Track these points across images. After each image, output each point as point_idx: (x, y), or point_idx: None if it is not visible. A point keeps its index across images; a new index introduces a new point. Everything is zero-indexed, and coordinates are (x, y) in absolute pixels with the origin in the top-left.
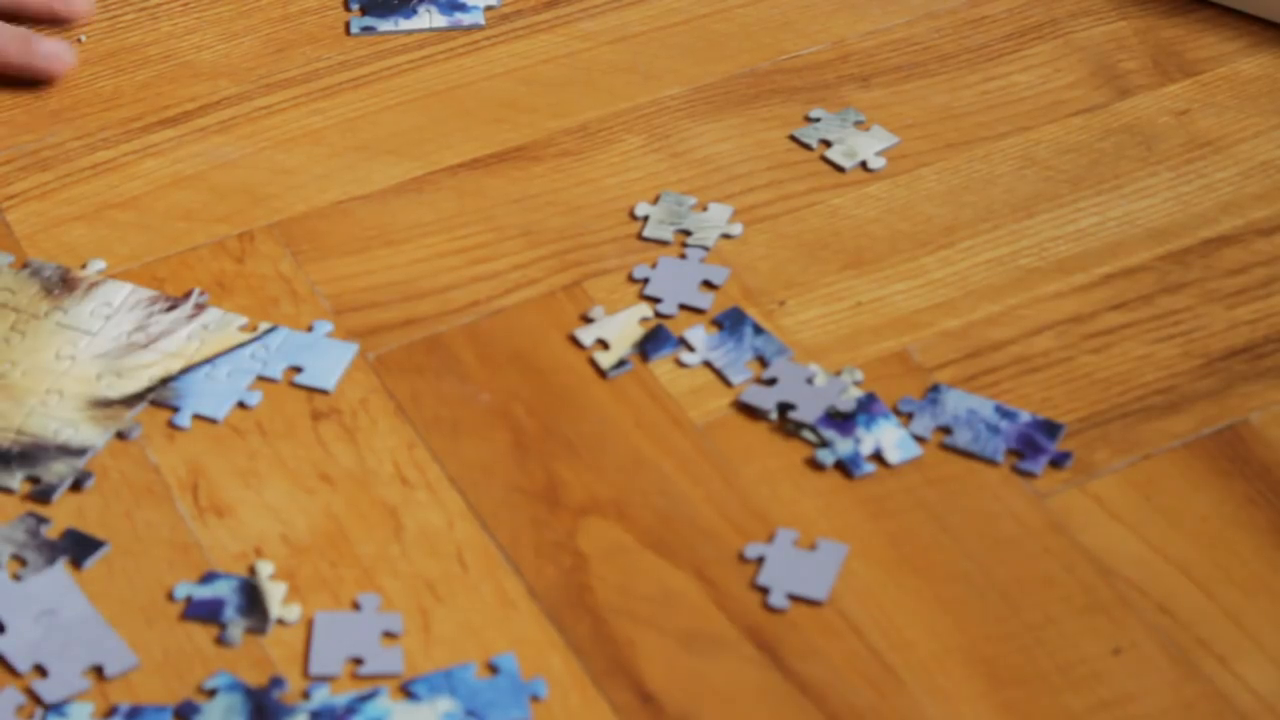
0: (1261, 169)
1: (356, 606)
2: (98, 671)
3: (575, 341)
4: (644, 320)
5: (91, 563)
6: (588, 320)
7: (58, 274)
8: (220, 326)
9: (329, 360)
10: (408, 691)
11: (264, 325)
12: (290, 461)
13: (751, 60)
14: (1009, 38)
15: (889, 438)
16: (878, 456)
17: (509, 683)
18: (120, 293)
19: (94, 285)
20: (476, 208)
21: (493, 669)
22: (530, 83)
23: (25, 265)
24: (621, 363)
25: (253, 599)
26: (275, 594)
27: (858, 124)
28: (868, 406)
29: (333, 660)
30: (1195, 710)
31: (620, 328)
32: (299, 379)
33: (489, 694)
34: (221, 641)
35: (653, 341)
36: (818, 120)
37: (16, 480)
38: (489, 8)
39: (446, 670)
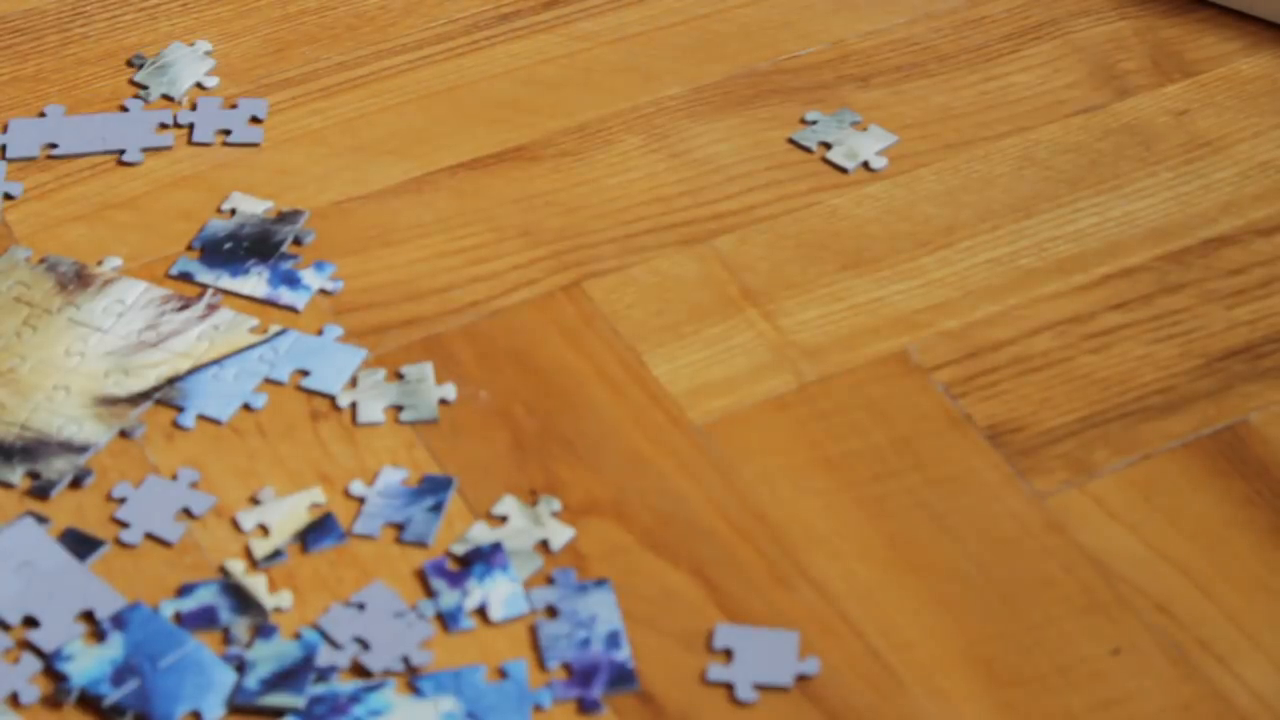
0: (1261, 169)
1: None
2: (88, 616)
3: (238, 524)
4: (313, 506)
5: (91, 562)
6: (255, 502)
7: (73, 270)
8: (231, 328)
9: (337, 364)
10: (414, 687)
11: (274, 328)
12: (290, 461)
13: (751, 60)
14: (1008, 38)
15: (499, 593)
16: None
17: (515, 689)
18: (134, 290)
19: (109, 282)
20: (476, 208)
21: (502, 674)
22: (530, 83)
23: (42, 260)
24: (276, 553)
25: (241, 597)
26: (259, 586)
27: (854, 125)
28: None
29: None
30: (1194, 710)
31: (285, 513)
32: (305, 382)
33: (493, 698)
34: (229, 641)
35: (316, 531)
36: (814, 123)
37: (17, 475)
38: (321, 290)
39: (456, 670)
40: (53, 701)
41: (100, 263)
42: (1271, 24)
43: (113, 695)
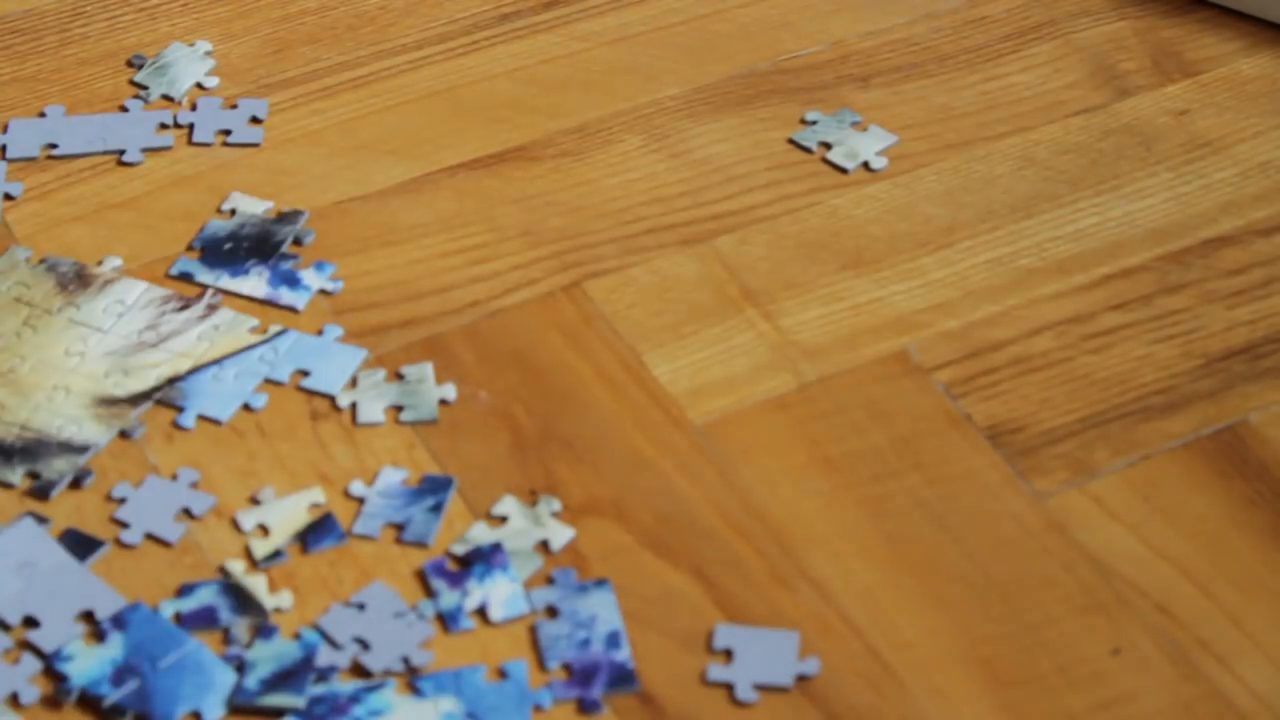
0: (1261, 169)
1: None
2: (88, 616)
3: (241, 526)
4: (313, 506)
5: (91, 562)
6: (255, 502)
7: (73, 270)
8: (231, 328)
9: (337, 365)
10: (414, 687)
11: (274, 328)
12: (290, 462)
13: (751, 61)
14: (1009, 38)
15: (499, 593)
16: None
17: (515, 690)
18: (134, 290)
19: (109, 282)
20: (476, 208)
21: (502, 674)
22: (530, 83)
23: (42, 261)
24: (277, 553)
25: (241, 597)
26: (259, 587)
27: (854, 125)
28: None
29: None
30: (1194, 710)
31: (285, 513)
32: (306, 383)
33: (493, 698)
34: (229, 642)
35: (316, 531)
36: (814, 123)
37: (17, 475)
38: (321, 290)
39: (456, 670)
40: (53, 702)
41: (100, 263)
42: (1271, 24)
43: (113, 695)
